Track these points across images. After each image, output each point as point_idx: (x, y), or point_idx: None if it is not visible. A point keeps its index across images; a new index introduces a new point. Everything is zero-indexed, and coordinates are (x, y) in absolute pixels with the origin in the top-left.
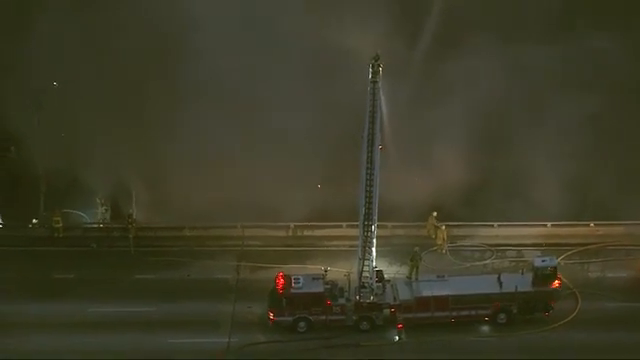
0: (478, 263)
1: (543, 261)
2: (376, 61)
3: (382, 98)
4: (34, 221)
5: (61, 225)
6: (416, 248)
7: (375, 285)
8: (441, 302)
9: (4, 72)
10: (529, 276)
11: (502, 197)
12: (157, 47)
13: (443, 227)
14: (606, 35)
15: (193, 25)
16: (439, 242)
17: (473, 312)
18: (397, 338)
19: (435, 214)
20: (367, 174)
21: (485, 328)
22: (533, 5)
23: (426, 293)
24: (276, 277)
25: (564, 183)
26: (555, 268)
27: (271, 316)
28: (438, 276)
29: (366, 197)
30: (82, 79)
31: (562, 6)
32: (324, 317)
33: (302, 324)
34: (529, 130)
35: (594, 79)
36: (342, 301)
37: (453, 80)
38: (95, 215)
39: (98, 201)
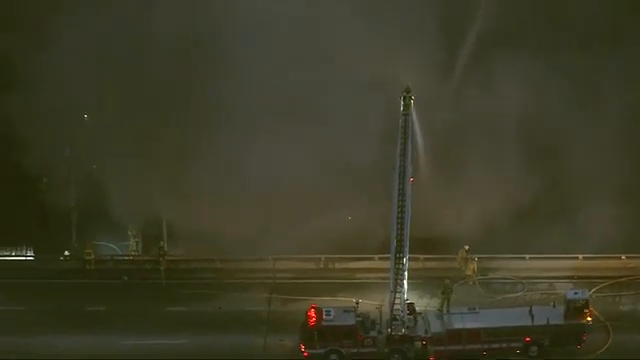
0: (510, 295)
1: (575, 294)
2: (407, 93)
3: (417, 129)
4: (66, 253)
5: (93, 257)
6: (447, 280)
7: (407, 318)
8: (473, 335)
9: (36, 106)
10: (561, 309)
11: (544, 226)
12: (187, 71)
13: (475, 259)
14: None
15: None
16: (468, 273)
17: (505, 345)
18: None
19: (467, 247)
20: (399, 206)
21: None
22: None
23: (458, 326)
24: (308, 310)
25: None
26: (587, 301)
27: (303, 349)
28: (469, 309)
29: (398, 229)
30: (112, 108)
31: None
32: (356, 350)
33: (334, 357)
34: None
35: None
36: (374, 334)
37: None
38: (127, 247)
39: (130, 233)
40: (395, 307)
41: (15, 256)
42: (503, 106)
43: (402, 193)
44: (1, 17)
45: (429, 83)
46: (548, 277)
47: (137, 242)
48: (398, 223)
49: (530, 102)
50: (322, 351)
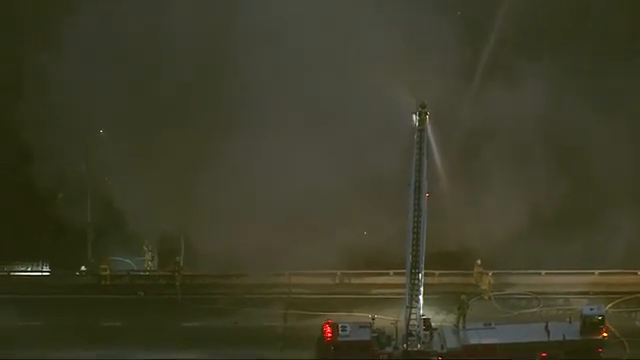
0: (525, 311)
1: (591, 309)
2: (423, 109)
3: (433, 143)
4: (82, 268)
5: (108, 273)
6: (463, 296)
7: (422, 333)
8: (489, 350)
9: (52, 120)
10: (577, 324)
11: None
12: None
13: (490, 274)
14: None
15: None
16: (484, 287)
17: None
18: None
19: (479, 262)
20: (414, 222)
21: None
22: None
23: (473, 341)
24: (323, 325)
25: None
26: (603, 316)
27: None
28: (485, 324)
29: (413, 245)
30: (128, 121)
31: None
32: None
33: None
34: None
35: None
36: (389, 349)
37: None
38: (142, 262)
39: (145, 248)
40: (411, 323)
41: (31, 271)
42: (523, 113)
43: (418, 208)
44: (12, 18)
45: (449, 88)
46: (564, 293)
47: (153, 257)
48: (414, 238)
49: (552, 108)
50: None
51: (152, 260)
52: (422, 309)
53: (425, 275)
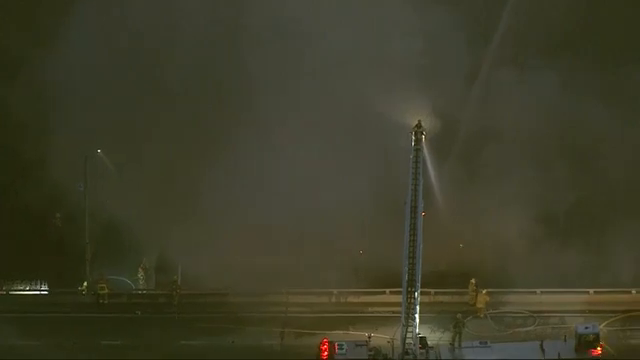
0: (521, 329)
1: (586, 328)
2: (418, 128)
3: (428, 164)
4: (84, 284)
5: (106, 292)
6: (459, 315)
7: (418, 352)
8: None
9: (50, 138)
10: (572, 342)
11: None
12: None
13: (484, 292)
14: None
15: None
16: (480, 306)
17: None
18: None
19: (473, 281)
20: (410, 240)
21: None
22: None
23: (470, 359)
24: (320, 343)
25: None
26: (598, 335)
27: None
28: (481, 342)
29: (409, 263)
30: (125, 141)
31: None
32: None
33: None
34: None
35: None
36: None
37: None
38: (137, 281)
39: (141, 266)
40: (407, 341)
41: (30, 290)
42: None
43: (413, 227)
44: (20, 18)
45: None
46: (559, 311)
47: (142, 277)
48: (409, 257)
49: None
50: None
51: (143, 279)
52: (418, 327)
53: (421, 294)
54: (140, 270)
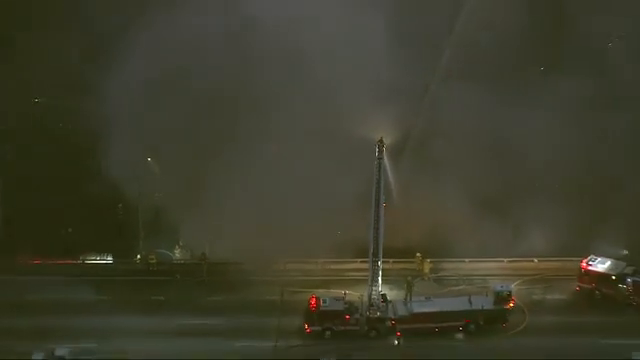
0: (454, 288)
1: (501, 287)
2: (381, 143)
3: (387, 169)
4: (138, 256)
5: (155, 261)
6: (409, 277)
7: (381, 304)
8: (428, 317)
9: (112, 145)
10: (491, 297)
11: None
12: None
13: (428, 261)
14: None
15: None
16: (425, 271)
17: (451, 324)
18: (396, 342)
19: (419, 254)
20: (374, 223)
21: (460, 335)
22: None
23: (418, 310)
24: (309, 298)
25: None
26: (510, 292)
27: (306, 327)
28: (426, 298)
29: (374, 240)
30: (171, 136)
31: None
32: (343, 328)
33: (328, 333)
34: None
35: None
36: (357, 316)
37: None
38: (175, 253)
39: (178, 245)
40: (372, 296)
41: (99, 260)
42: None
43: (377, 215)
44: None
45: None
46: (482, 275)
47: (179, 251)
48: (374, 235)
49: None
50: (320, 328)
51: (179, 253)
52: (380, 287)
53: (382, 262)
54: (178, 247)
